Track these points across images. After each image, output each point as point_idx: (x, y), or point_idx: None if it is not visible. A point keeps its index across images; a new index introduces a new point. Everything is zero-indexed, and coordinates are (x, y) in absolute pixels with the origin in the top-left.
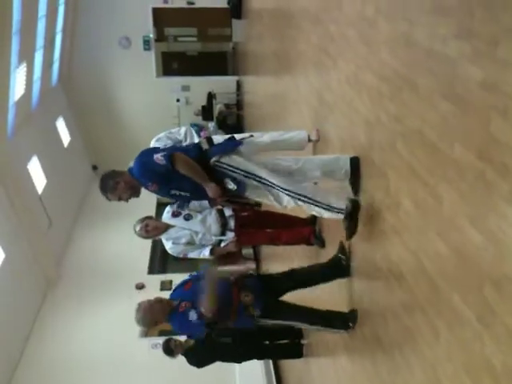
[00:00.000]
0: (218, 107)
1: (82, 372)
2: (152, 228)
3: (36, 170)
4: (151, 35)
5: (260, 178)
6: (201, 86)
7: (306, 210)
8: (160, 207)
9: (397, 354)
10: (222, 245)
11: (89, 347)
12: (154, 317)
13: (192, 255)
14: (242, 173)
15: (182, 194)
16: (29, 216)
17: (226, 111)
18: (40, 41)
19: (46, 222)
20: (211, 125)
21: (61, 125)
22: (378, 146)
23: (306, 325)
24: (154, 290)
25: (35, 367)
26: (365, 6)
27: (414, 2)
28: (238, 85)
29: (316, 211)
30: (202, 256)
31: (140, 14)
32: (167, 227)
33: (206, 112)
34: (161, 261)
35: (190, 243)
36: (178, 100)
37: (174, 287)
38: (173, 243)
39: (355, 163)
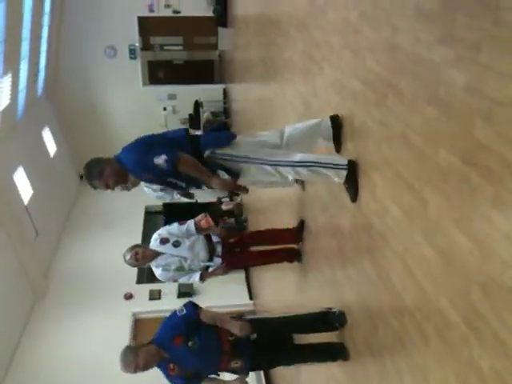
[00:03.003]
0: (205, 115)
1: (73, 380)
2: (141, 256)
3: (22, 181)
4: (137, 44)
5: (262, 161)
6: (187, 94)
7: (310, 179)
8: (148, 215)
9: (387, 360)
10: (210, 270)
11: (77, 357)
12: (138, 365)
13: (182, 280)
14: (240, 159)
15: (178, 183)
16: (15, 227)
17: (213, 119)
18: (25, 51)
19: (32, 232)
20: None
21: (47, 135)
22: (363, 151)
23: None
24: (142, 299)
25: (24, 379)
26: (349, 12)
27: (397, 8)
28: (225, 93)
29: (322, 176)
30: (191, 281)
31: (125, 23)
32: (156, 254)
33: (193, 120)
34: (149, 270)
35: (180, 269)
36: (164, 109)
37: (160, 326)
38: (162, 270)
39: (336, 122)
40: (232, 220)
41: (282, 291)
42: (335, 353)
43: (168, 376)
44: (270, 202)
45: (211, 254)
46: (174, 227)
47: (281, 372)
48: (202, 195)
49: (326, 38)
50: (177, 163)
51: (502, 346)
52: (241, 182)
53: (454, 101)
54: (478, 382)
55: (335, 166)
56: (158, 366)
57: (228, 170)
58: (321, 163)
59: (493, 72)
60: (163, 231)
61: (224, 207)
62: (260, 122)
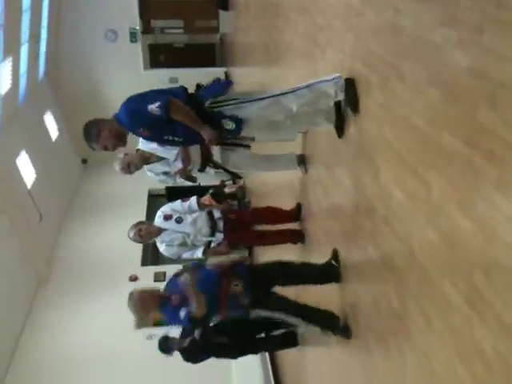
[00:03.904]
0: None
1: (77, 366)
2: (145, 233)
3: (25, 165)
4: (137, 27)
5: (262, 96)
6: (189, 77)
7: (312, 100)
8: (151, 198)
9: (390, 343)
10: (212, 245)
11: (83, 341)
12: (144, 306)
13: (186, 256)
14: (244, 99)
15: (176, 139)
16: (19, 211)
17: None
18: (25, 35)
19: (36, 217)
20: None
21: (49, 119)
22: (366, 135)
23: (296, 319)
24: (147, 281)
25: (29, 363)
26: None
27: None
28: (227, 76)
29: (323, 94)
30: (195, 257)
31: (126, 7)
32: (160, 231)
33: None
34: (153, 252)
35: (183, 245)
36: None
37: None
38: (166, 245)
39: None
40: (235, 203)
41: None
42: (336, 325)
43: (172, 309)
44: (273, 186)
45: (213, 230)
46: (177, 204)
47: (286, 356)
48: (205, 178)
49: (329, 22)
50: (169, 107)
51: (504, 327)
52: (245, 131)
53: (457, 83)
54: (481, 363)
55: (332, 79)
56: (162, 309)
57: (232, 118)
58: (318, 81)
59: (496, 54)
60: (166, 208)
61: (227, 190)
62: None
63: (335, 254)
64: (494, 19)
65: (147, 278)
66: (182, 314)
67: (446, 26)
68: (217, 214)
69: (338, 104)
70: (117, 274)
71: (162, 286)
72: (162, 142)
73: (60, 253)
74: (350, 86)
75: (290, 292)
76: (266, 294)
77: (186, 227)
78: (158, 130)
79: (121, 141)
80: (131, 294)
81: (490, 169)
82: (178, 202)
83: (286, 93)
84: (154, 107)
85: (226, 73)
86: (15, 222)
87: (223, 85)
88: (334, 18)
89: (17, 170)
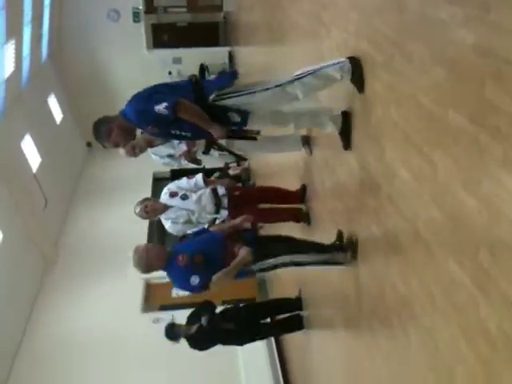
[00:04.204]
0: (211, 79)
1: (83, 350)
2: (151, 209)
3: (30, 149)
4: (140, 7)
5: (267, 86)
6: (192, 57)
7: (318, 86)
8: (156, 182)
9: (394, 322)
10: (217, 222)
11: (89, 325)
12: (149, 260)
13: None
14: (248, 91)
15: (183, 133)
16: (24, 195)
17: None
18: (28, 17)
19: (41, 200)
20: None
21: (52, 102)
22: (372, 114)
23: (303, 257)
24: None
25: (37, 348)
26: None
27: None
28: (231, 56)
29: (329, 79)
30: None
31: None
32: (165, 208)
33: None
34: (159, 235)
35: (188, 222)
36: (169, 73)
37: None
38: (172, 222)
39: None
40: (239, 185)
41: None
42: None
43: (179, 271)
44: (277, 168)
45: (218, 207)
46: (183, 181)
47: (292, 340)
48: (210, 161)
49: (333, 0)
50: (176, 108)
51: (509, 306)
52: (251, 124)
53: (463, 61)
54: (486, 341)
55: (337, 64)
56: (167, 268)
57: (238, 111)
58: (323, 66)
59: (502, 32)
60: (172, 185)
61: (231, 172)
62: None
63: (340, 236)
64: None
65: None
66: (194, 279)
67: (452, 3)
68: (221, 190)
69: (345, 114)
70: (122, 257)
71: None
72: (169, 136)
73: (65, 236)
74: (356, 65)
75: None
76: (267, 246)
77: (191, 204)
78: (166, 126)
79: (130, 136)
80: (137, 248)
81: (495, 146)
82: (184, 179)
83: (291, 81)
84: (161, 108)
85: (229, 52)
86: (21, 206)
87: (229, 77)
88: None
89: (22, 153)
